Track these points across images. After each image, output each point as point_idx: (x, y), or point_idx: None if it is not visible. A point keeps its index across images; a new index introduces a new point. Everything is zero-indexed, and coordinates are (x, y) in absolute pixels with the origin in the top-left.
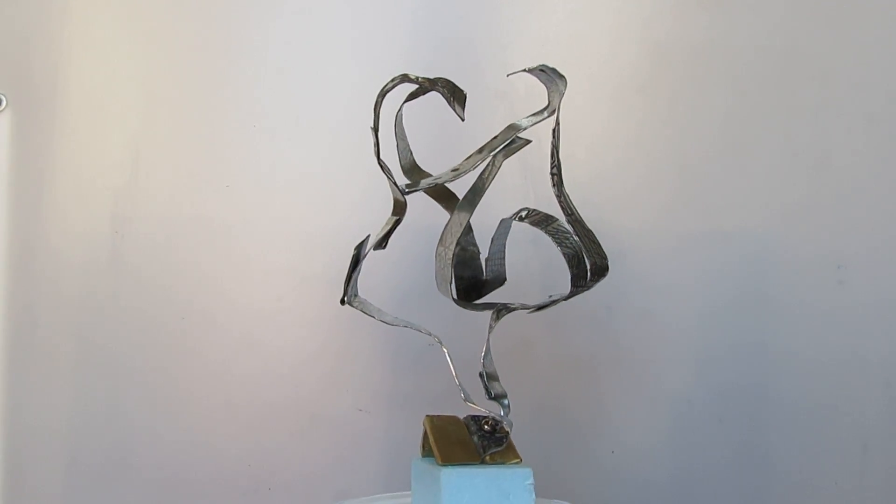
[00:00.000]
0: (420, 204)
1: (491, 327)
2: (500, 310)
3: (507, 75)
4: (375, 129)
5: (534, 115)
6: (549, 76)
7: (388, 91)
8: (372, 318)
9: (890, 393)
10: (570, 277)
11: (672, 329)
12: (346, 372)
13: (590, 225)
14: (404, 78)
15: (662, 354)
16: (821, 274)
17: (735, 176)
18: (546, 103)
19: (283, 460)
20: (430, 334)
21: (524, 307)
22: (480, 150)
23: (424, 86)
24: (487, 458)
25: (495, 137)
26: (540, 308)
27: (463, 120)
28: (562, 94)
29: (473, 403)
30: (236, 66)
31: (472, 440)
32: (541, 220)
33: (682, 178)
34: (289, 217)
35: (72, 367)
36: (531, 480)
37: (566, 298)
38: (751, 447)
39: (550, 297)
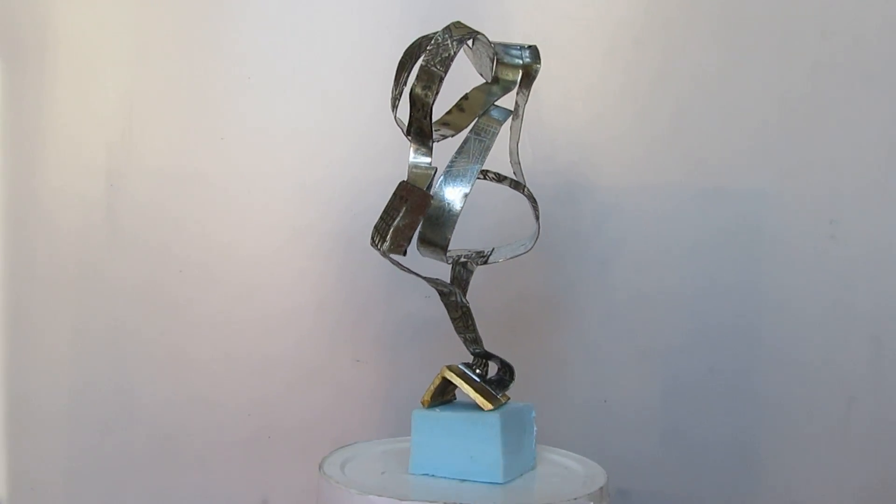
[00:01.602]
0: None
1: (461, 277)
2: (464, 261)
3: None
4: (440, 75)
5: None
6: (520, 56)
7: (465, 39)
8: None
9: (877, 347)
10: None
11: (664, 282)
12: (343, 323)
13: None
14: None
15: (654, 306)
16: (813, 228)
17: (730, 130)
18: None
19: (282, 409)
20: (448, 286)
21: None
22: (461, 109)
23: (479, 40)
24: (502, 398)
25: (466, 97)
26: (481, 262)
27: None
28: (531, 76)
29: (493, 354)
30: (230, 18)
31: (482, 385)
32: (516, 185)
33: (676, 132)
34: (284, 169)
35: (71, 321)
36: (534, 413)
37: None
38: (740, 396)
39: (458, 252)
